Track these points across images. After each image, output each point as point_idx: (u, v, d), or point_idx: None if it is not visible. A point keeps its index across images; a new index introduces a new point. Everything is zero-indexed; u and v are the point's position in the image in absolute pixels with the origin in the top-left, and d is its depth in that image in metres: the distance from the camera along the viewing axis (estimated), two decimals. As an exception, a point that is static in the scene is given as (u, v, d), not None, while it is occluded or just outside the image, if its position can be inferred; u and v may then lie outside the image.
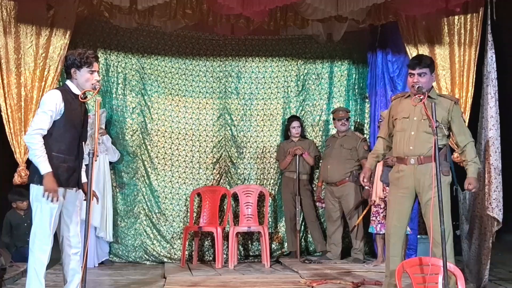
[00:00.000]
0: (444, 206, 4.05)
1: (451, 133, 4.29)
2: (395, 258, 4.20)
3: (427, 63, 4.23)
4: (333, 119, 6.41)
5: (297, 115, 6.75)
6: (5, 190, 6.13)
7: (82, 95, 3.84)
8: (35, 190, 3.77)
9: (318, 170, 6.68)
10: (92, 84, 3.86)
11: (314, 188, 6.69)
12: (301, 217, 6.52)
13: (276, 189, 6.77)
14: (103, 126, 6.10)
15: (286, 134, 6.64)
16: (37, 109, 3.79)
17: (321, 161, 6.49)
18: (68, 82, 3.90)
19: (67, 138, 3.81)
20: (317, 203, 6.48)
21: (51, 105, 3.73)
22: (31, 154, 3.73)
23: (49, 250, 3.78)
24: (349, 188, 6.16)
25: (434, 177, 4.03)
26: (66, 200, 3.85)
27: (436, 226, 3.84)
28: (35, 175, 3.79)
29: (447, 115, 4.20)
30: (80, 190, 3.94)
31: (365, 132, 6.84)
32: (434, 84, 4.86)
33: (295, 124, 6.51)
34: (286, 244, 6.63)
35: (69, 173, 3.82)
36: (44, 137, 3.76)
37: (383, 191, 5.72)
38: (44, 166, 3.67)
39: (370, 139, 6.58)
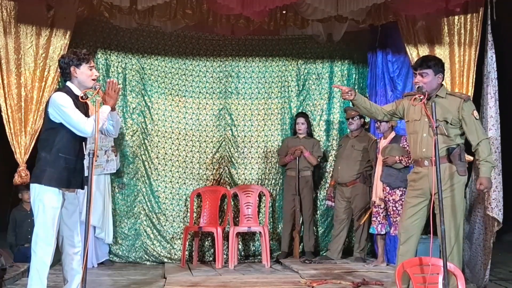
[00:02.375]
0: (458, 207, 4.07)
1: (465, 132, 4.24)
2: (402, 257, 4.19)
3: (429, 63, 4.24)
4: (346, 118, 6.43)
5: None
6: (5, 190, 6.13)
7: (83, 96, 3.84)
8: (37, 190, 3.77)
9: (328, 168, 6.78)
10: (93, 84, 3.87)
11: (325, 186, 6.74)
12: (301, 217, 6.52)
13: (277, 189, 6.77)
14: (112, 143, 6.08)
15: (294, 129, 6.64)
16: (62, 114, 3.73)
17: (334, 160, 6.54)
18: (68, 84, 3.90)
19: (72, 139, 3.81)
20: (327, 202, 6.49)
21: (69, 101, 3.74)
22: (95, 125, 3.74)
23: (52, 251, 3.77)
24: (359, 189, 6.16)
25: (448, 177, 4.05)
26: (65, 200, 3.85)
27: (447, 227, 3.84)
28: (36, 174, 3.79)
29: (457, 114, 4.18)
30: (79, 190, 3.94)
31: (365, 132, 6.84)
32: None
33: (300, 120, 6.52)
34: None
35: (75, 174, 3.83)
36: (50, 138, 3.78)
37: (383, 191, 5.72)
38: (105, 107, 3.79)
39: (370, 139, 6.57)
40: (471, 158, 4.81)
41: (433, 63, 4.25)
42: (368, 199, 6.10)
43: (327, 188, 6.65)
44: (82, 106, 3.87)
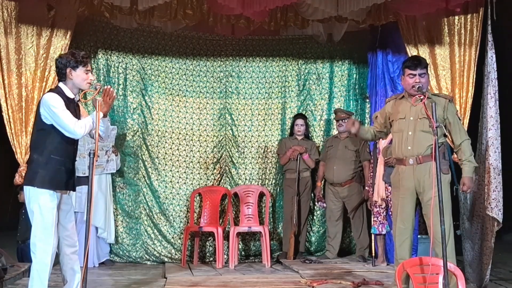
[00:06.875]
0: (445, 205, 4.06)
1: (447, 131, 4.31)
2: (401, 261, 4.19)
3: (426, 64, 4.31)
4: (335, 119, 6.46)
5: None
6: (5, 190, 6.14)
7: (82, 96, 3.84)
8: (30, 192, 3.74)
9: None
10: (93, 84, 3.87)
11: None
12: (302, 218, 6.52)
13: (278, 189, 6.77)
14: (113, 143, 6.10)
15: (291, 131, 6.65)
16: (52, 114, 3.71)
17: (321, 161, 6.50)
18: (60, 85, 3.86)
19: (64, 140, 3.79)
20: (318, 203, 6.50)
21: (61, 102, 3.72)
22: (89, 127, 3.76)
23: (52, 251, 3.74)
24: (354, 188, 6.22)
25: (434, 176, 4.05)
26: (60, 201, 3.83)
27: (436, 225, 3.85)
28: (29, 176, 3.78)
29: (442, 113, 4.22)
30: (77, 190, 3.94)
31: (366, 132, 6.84)
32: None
33: (299, 122, 6.54)
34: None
35: (67, 175, 3.82)
36: (42, 139, 3.76)
37: (385, 190, 5.73)
38: (96, 115, 3.74)
39: (370, 139, 6.58)
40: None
41: (427, 64, 4.34)
42: (362, 197, 6.18)
43: (315, 190, 6.56)
44: (73, 108, 3.84)
